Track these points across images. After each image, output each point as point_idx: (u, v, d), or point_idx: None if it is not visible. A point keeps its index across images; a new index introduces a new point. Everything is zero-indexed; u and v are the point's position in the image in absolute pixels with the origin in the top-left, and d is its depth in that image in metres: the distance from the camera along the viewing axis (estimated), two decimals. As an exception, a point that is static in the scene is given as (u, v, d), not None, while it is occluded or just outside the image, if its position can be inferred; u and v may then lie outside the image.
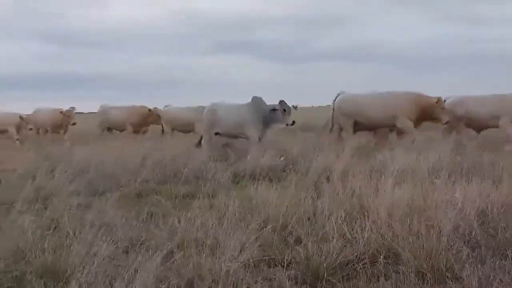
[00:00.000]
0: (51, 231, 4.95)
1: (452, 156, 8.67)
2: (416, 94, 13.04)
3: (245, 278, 4.04)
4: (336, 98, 13.71)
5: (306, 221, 5.26)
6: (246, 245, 4.42)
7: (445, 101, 13.07)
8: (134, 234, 5.06)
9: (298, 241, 4.86)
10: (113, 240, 4.71)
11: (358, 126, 13.34)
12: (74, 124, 18.01)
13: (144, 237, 4.94)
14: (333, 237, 4.70)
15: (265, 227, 4.95)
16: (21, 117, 18.36)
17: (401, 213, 5.08)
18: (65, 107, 18.71)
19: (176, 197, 7.05)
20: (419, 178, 6.53)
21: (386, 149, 9.76)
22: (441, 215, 4.90)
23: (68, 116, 18.04)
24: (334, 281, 4.13)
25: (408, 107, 12.78)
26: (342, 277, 4.21)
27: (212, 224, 4.96)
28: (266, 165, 8.96)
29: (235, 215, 5.34)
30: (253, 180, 7.69)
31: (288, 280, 4.11)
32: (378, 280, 4.14)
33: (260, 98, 11.84)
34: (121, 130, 18.87)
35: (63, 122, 18.14)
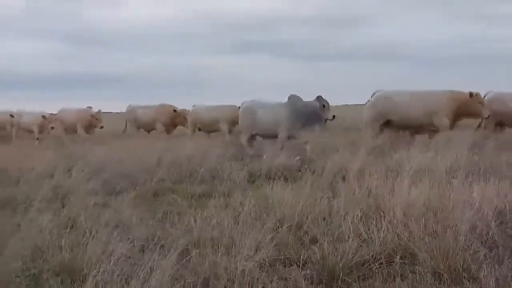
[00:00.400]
0: (68, 229, 4.99)
1: (469, 156, 8.59)
2: (453, 92, 12.78)
3: (260, 278, 4.04)
4: (372, 96, 13.21)
5: (321, 221, 5.26)
6: (262, 245, 4.43)
7: (484, 96, 12.86)
8: (150, 233, 5.08)
9: (314, 240, 4.86)
10: (129, 239, 4.75)
11: (389, 125, 12.89)
12: (102, 127, 18.04)
13: (160, 236, 4.97)
14: (349, 237, 4.69)
15: (281, 227, 4.95)
16: (43, 117, 18.37)
17: (418, 213, 5.06)
18: (82, 106, 18.87)
19: (192, 197, 7.08)
20: (436, 178, 6.48)
21: (402, 149, 9.69)
22: (458, 215, 4.86)
23: (97, 119, 18.00)
24: (350, 281, 4.12)
25: (448, 105, 12.51)
26: (358, 277, 4.20)
27: (228, 223, 4.97)
28: (281, 164, 8.97)
29: (250, 214, 5.34)
30: (268, 179, 7.69)
31: (304, 280, 4.10)
32: (394, 280, 4.12)
33: (297, 97, 11.50)
34: (149, 130, 18.67)
35: (91, 124, 18.12)
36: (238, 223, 4.96)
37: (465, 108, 12.54)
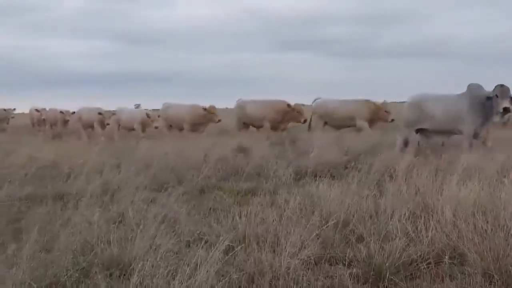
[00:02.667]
0: (116, 224, 5.07)
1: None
2: None
3: (305, 275, 4.02)
4: None
5: (368, 219, 5.20)
6: (307, 242, 4.41)
7: None
8: (196, 229, 5.13)
9: (360, 239, 4.81)
10: (175, 234, 4.81)
11: None
12: (219, 121, 16.92)
13: (205, 232, 5.01)
14: (396, 236, 4.63)
15: (326, 225, 4.92)
16: (147, 115, 18.02)
17: (467, 212, 4.94)
18: (131, 103, 18.96)
19: (237, 193, 7.11)
20: (486, 177, 6.31)
21: (452, 148, 9.49)
22: (509, 215, 4.73)
23: (213, 113, 16.85)
24: (397, 280, 4.06)
25: None
26: (405, 276, 4.13)
27: (273, 220, 4.97)
28: (328, 162, 8.90)
29: (296, 211, 5.33)
30: (314, 177, 7.64)
31: (350, 279, 4.06)
32: (443, 281, 4.04)
33: (478, 85, 10.21)
34: (258, 127, 17.32)
35: (202, 120, 17.04)
36: (283, 220, 4.94)
37: None
